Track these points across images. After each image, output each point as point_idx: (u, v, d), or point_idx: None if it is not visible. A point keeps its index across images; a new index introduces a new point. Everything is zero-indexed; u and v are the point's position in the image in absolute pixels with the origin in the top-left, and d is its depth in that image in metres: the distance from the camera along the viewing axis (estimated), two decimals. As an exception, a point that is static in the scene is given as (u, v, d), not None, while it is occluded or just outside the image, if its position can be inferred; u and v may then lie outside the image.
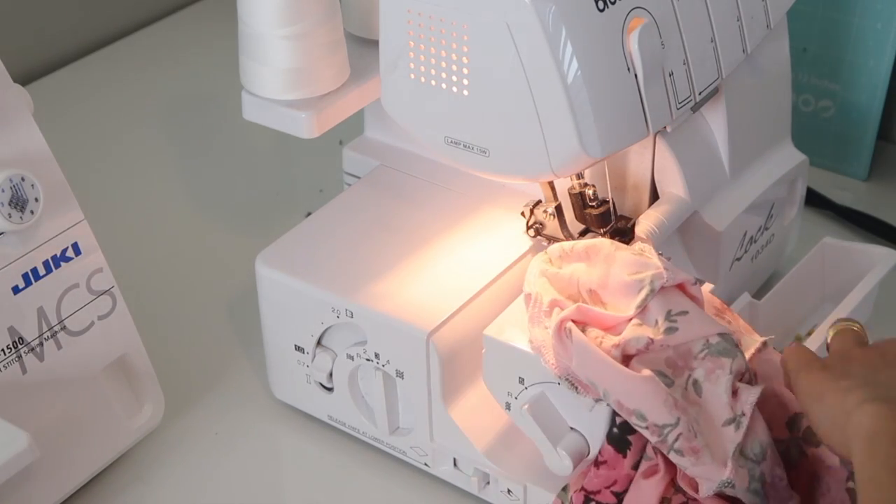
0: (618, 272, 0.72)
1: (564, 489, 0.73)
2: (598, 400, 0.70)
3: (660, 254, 0.78)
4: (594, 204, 0.80)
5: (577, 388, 0.70)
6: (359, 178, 0.93)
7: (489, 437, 0.79)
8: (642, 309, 0.70)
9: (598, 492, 0.71)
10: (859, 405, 0.60)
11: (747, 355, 0.72)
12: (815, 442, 0.70)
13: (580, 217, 0.81)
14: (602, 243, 0.74)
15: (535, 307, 0.72)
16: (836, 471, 0.69)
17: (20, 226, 0.73)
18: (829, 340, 0.70)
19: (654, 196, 0.84)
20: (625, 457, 0.70)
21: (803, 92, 1.10)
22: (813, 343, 0.83)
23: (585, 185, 0.80)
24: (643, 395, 0.67)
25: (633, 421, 0.68)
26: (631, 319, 0.70)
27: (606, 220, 0.80)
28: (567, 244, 0.75)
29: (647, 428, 0.67)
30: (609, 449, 0.71)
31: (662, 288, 0.70)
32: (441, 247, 0.83)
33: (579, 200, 0.80)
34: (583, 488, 0.72)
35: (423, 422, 0.79)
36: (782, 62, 0.91)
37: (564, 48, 0.68)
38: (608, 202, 0.81)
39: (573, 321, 0.70)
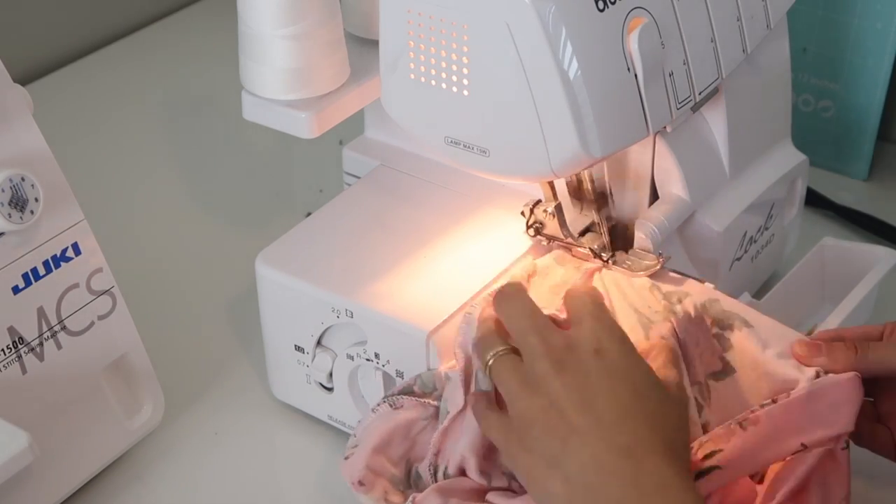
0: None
1: None
2: None
3: (659, 254, 0.78)
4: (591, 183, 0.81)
5: None
6: (359, 178, 0.93)
7: (489, 437, 0.79)
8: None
9: None
10: None
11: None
12: None
13: (576, 194, 0.81)
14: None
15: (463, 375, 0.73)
16: None
17: (20, 226, 0.73)
18: (488, 371, 0.70)
19: (654, 196, 0.84)
20: None
21: (803, 92, 1.10)
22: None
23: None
24: None
25: None
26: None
27: (603, 200, 0.81)
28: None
29: None
30: None
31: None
32: (441, 247, 0.83)
33: (574, 181, 0.81)
34: None
35: (423, 422, 0.79)
36: (782, 62, 0.91)
37: (564, 48, 0.68)
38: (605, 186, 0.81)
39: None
